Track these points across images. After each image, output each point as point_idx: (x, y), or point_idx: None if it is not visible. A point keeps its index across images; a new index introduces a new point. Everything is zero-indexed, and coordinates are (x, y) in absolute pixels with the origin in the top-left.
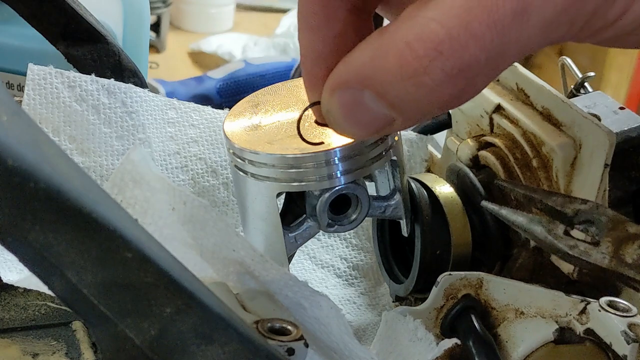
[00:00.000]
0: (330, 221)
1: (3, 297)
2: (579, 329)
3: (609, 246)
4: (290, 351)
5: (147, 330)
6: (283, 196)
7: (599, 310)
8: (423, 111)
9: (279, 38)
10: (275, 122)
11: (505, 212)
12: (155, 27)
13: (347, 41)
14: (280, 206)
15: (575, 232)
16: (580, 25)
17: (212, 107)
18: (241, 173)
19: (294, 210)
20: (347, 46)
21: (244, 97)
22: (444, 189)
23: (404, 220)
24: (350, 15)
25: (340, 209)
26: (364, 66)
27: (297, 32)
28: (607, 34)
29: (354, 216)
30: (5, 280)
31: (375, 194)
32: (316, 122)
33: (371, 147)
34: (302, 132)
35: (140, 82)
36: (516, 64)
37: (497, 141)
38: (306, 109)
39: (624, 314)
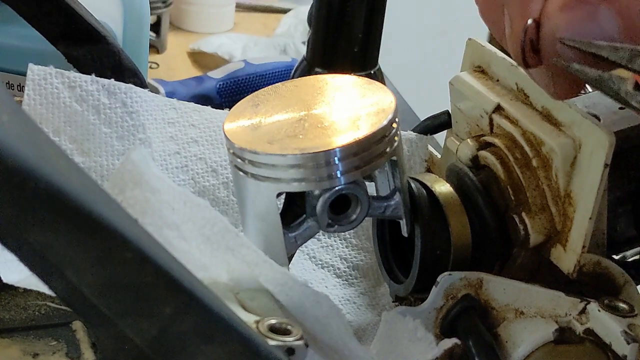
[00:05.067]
0: (330, 221)
1: (3, 297)
2: (579, 329)
3: None
4: (290, 351)
5: (147, 330)
6: (283, 196)
7: (599, 311)
8: None
9: (279, 38)
10: (275, 122)
11: (577, 66)
12: (155, 27)
13: None
14: (280, 206)
15: None
16: None
17: (212, 107)
18: (241, 173)
19: (294, 210)
20: None
21: (244, 97)
22: (444, 189)
23: (404, 220)
24: None
25: (340, 209)
26: None
27: (296, 33)
28: None
29: (354, 216)
30: (5, 280)
31: (375, 194)
32: (532, 46)
33: (371, 147)
34: (302, 132)
35: (140, 82)
36: (516, 64)
37: (496, 141)
38: (526, 29)
39: (624, 314)
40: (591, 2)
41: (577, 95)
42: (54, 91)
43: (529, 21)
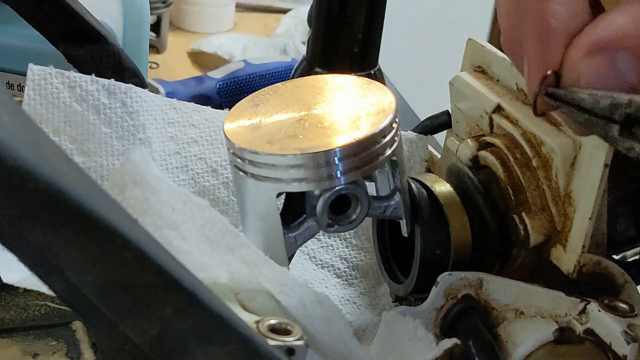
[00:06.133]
0: (330, 221)
1: (3, 297)
2: (579, 329)
3: None
4: (290, 351)
5: (147, 330)
6: (283, 196)
7: (599, 311)
8: None
9: (279, 38)
10: (275, 122)
11: (565, 109)
12: (155, 27)
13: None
14: (280, 206)
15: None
16: None
17: (212, 107)
18: (241, 173)
19: (294, 210)
20: (588, 14)
21: (244, 97)
22: (444, 189)
23: (404, 220)
24: None
25: (340, 209)
26: (626, 26)
27: (296, 33)
28: None
29: (354, 216)
30: (5, 280)
31: (375, 194)
32: (548, 94)
33: (371, 147)
34: (302, 132)
35: (140, 82)
36: None
37: (496, 141)
38: (543, 79)
39: (624, 314)
40: (611, 49)
41: None
42: (54, 91)
43: (549, 71)
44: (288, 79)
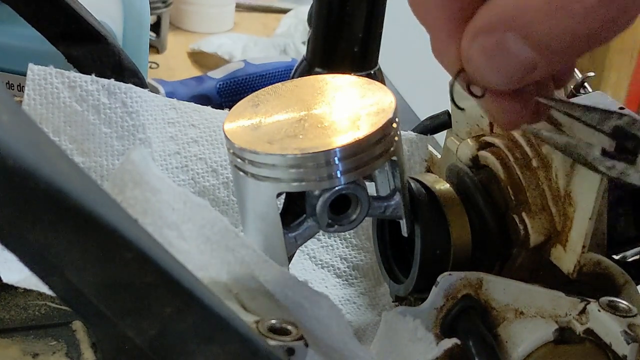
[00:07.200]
0: (330, 221)
1: (3, 297)
2: (579, 329)
3: None
4: (290, 351)
5: (147, 330)
6: (283, 196)
7: (599, 311)
8: (569, 47)
9: (279, 38)
10: (275, 122)
11: (545, 133)
12: (155, 27)
13: None
14: (280, 206)
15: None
16: None
17: (212, 107)
18: (241, 173)
19: (294, 210)
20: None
21: (244, 97)
22: (444, 189)
23: (404, 220)
24: None
25: (340, 209)
26: (507, 7)
27: (296, 33)
28: None
29: (354, 216)
30: (5, 280)
31: (375, 194)
32: (468, 88)
33: (371, 147)
34: (302, 132)
35: (140, 82)
36: None
37: (496, 141)
38: (457, 75)
39: (624, 314)
40: (497, 30)
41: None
42: (54, 91)
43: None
44: (288, 79)
